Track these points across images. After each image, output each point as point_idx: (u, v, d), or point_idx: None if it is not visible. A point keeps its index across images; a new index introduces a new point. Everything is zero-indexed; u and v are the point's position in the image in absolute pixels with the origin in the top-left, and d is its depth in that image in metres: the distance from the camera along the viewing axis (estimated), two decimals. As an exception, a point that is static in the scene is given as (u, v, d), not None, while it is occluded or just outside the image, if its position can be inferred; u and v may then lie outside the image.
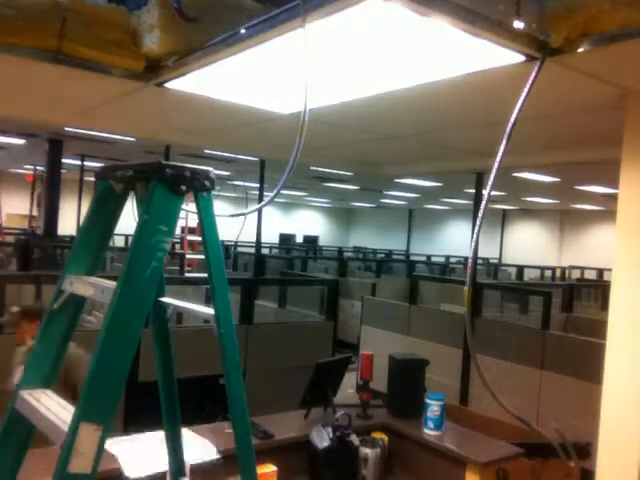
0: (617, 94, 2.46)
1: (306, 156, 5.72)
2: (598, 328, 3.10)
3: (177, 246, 9.71)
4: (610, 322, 2.48)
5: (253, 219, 7.31)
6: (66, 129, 6.39)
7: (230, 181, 11.20)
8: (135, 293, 1.27)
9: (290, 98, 2.93)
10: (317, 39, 1.85)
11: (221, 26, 1.90)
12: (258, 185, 6.86)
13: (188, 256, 7.92)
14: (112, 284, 1.33)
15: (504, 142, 1.80)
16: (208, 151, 6.64)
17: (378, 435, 3.05)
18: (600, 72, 2.23)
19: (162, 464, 1.78)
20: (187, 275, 7.51)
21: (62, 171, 8.16)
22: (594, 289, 9.75)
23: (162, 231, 1.31)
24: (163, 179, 1.32)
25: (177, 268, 7.77)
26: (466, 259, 12.11)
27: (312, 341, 5.13)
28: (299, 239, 23.86)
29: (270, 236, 18.75)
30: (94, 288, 1.39)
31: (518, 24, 1.66)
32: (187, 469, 2.18)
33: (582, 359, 4.65)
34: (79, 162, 9.34)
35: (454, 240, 19.20)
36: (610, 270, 2.50)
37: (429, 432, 3.03)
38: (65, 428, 1.19)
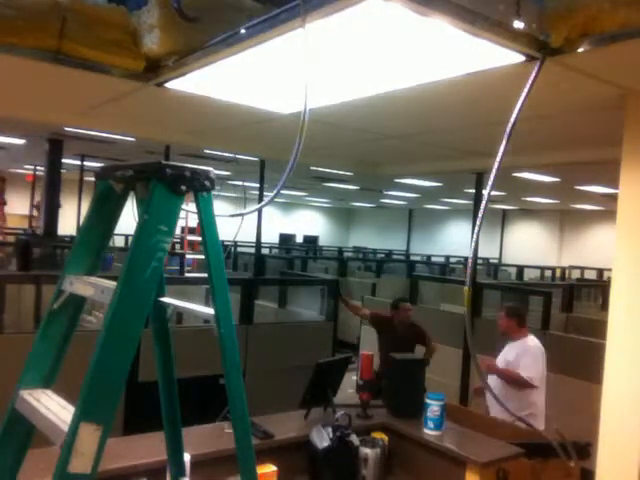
0: (617, 94, 2.46)
1: (306, 156, 5.70)
2: (598, 328, 3.10)
3: (177, 246, 9.71)
4: (610, 322, 2.48)
5: (253, 219, 7.30)
6: (66, 129, 6.39)
7: (230, 181, 11.20)
8: (135, 293, 1.27)
9: (290, 98, 2.93)
10: (317, 39, 1.85)
11: (221, 26, 1.90)
12: (258, 185, 6.86)
13: (188, 256, 7.92)
14: (112, 284, 1.33)
15: (504, 142, 1.80)
16: (208, 151, 6.65)
17: (378, 435, 3.05)
18: (600, 72, 2.23)
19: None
20: (187, 275, 7.51)
21: (62, 171, 8.16)
22: (594, 289, 9.75)
23: (162, 231, 1.30)
24: (163, 179, 1.32)
25: (177, 268, 7.77)
26: (466, 259, 12.12)
27: (312, 341, 5.13)
28: (299, 239, 23.86)
29: (270, 236, 18.75)
30: (94, 288, 1.39)
31: (518, 24, 1.66)
32: (187, 469, 2.18)
33: (582, 359, 4.65)
34: (79, 162, 9.35)
35: (454, 240, 19.20)
36: (610, 270, 2.50)
37: (429, 432, 3.03)
38: (65, 428, 1.19)
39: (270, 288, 7.51)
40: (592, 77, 2.28)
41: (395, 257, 17.92)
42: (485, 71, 2.16)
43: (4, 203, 13.14)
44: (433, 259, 16.19)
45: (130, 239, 1.51)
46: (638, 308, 2.38)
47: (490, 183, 1.89)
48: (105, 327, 1.24)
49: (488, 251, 16.92)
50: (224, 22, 1.87)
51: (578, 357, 4.88)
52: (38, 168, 10.89)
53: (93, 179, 1.62)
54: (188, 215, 7.63)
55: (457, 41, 1.82)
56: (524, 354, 4.32)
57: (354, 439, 2.80)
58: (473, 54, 1.98)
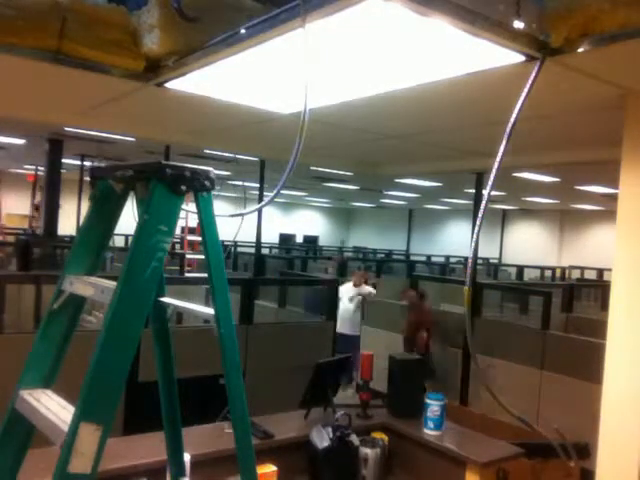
0: (617, 94, 2.46)
1: (306, 156, 5.71)
2: (598, 328, 3.10)
3: (177, 246, 9.70)
4: (610, 322, 2.48)
5: (253, 219, 7.30)
6: (66, 129, 6.39)
7: (230, 181, 11.20)
8: (135, 293, 1.27)
9: (290, 98, 2.93)
10: (317, 39, 1.85)
11: (221, 26, 1.90)
12: (258, 185, 6.86)
13: (188, 256, 7.92)
14: (112, 284, 1.33)
15: (504, 142, 1.80)
16: (208, 151, 6.65)
17: (378, 435, 3.05)
18: (600, 72, 2.23)
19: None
20: (187, 275, 7.51)
21: (62, 171, 8.16)
22: (594, 289, 9.74)
23: (162, 231, 1.30)
24: (163, 179, 1.32)
25: (177, 268, 7.77)
26: (466, 259, 12.10)
27: (312, 341, 5.12)
28: (299, 239, 23.86)
29: (270, 236, 18.76)
30: (94, 288, 1.39)
31: (518, 24, 1.66)
32: (187, 469, 2.18)
33: (582, 359, 4.65)
34: (79, 162, 9.35)
35: (454, 240, 19.20)
36: (610, 270, 2.50)
37: (429, 432, 3.03)
38: (65, 428, 1.19)
39: (270, 288, 7.50)
40: (592, 77, 2.28)
41: (395, 257, 17.91)
42: (485, 71, 2.16)
43: None
44: (433, 259, 16.17)
45: (130, 239, 1.51)
46: (638, 308, 2.38)
47: (490, 183, 1.89)
48: (105, 327, 1.23)
49: (488, 251, 16.92)
50: (224, 22, 1.87)
51: (578, 357, 4.88)
52: (39, 168, 10.88)
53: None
54: (188, 215, 7.64)
55: (457, 41, 1.82)
56: None
57: (354, 439, 2.80)
58: (473, 54, 1.98)
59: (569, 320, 7.02)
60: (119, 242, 11.33)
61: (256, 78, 2.57)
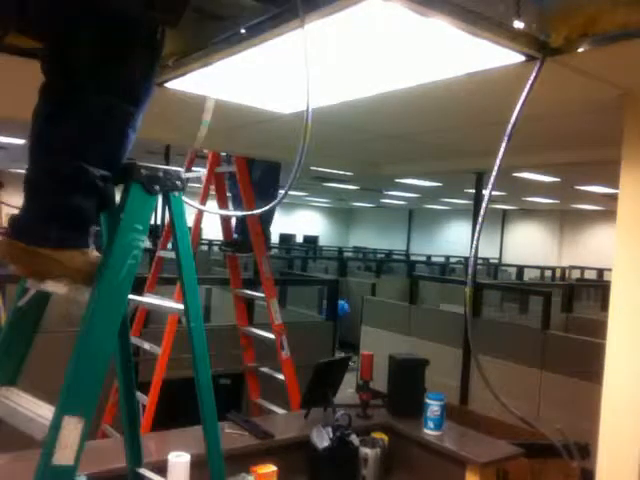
0: (617, 94, 2.46)
1: (306, 156, 5.69)
2: (598, 328, 3.10)
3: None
4: (610, 322, 2.48)
5: (253, 219, 7.29)
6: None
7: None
8: (113, 290, 1.33)
9: (290, 98, 2.93)
10: (317, 39, 1.85)
11: (221, 26, 1.90)
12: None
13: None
14: None
15: (504, 142, 1.80)
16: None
17: (378, 435, 3.05)
18: (600, 72, 2.23)
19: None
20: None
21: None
22: (594, 289, 9.75)
23: (137, 230, 1.37)
24: (138, 179, 1.38)
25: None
26: (466, 259, 12.11)
27: (312, 341, 5.13)
28: (299, 239, 23.86)
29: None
30: (67, 286, 1.41)
31: (518, 24, 1.66)
32: (187, 469, 2.18)
33: (582, 359, 4.65)
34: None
35: (454, 240, 19.21)
36: (610, 270, 2.50)
37: (429, 432, 3.03)
38: (45, 422, 1.23)
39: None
40: (592, 77, 2.28)
41: (395, 257, 17.91)
42: (485, 71, 2.16)
43: None
44: (433, 259, 16.18)
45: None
46: (638, 308, 2.38)
47: (490, 183, 1.89)
48: (85, 322, 1.28)
49: (488, 251, 16.93)
50: (224, 22, 1.87)
51: (578, 357, 4.88)
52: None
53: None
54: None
55: (457, 41, 1.82)
56: None
57: (354, 439, 2.80)
58: (473, 54, 1.98)
59: (569, 320, 7.03)
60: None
61: (256, 78, 2.57)
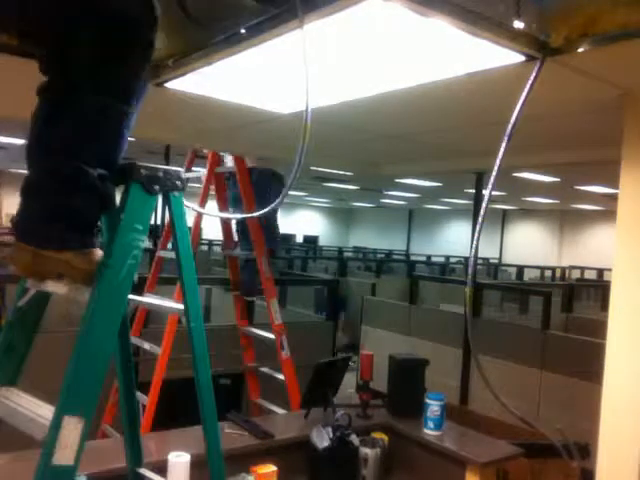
0: (617, 94, 2.46)
1: (306, 156, 5.70)
2: (598, 328, 3.10)
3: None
4: (610, 322, 2.48)
5: (253, 219, 7.30)
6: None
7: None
8: (113, 290, 1.33)
9: (290, 98, 2.93)
10: (317, 39, 1.85)
11: (221, 26, 1.90)
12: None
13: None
14: None
15: (504, 142, 1.80)
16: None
17: (378, 435, 3.05)
18: (600, 72, 2.23)
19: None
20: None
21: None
22: (594, 289, 9.75)
23: (137, 230, 1.37)
24: (138, 179, 1.38)
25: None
26: (466, 259, 12.10)
27: (312, 341, 5.13)
28: (299, 239, 23.86)
29: (270, 236, 18.73)
30: (67, 286, 1.41)
31: (518, 24, 1.66)
32: (187, 469, 2.18)
33: (582, 359, 4.66)
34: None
35: (454, 240, 19.21)
36: (610, 270, 2.50)
37: (429, 432, 3.03)
38: (45, 422, 1.23)
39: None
40: (592, 77, 2.27)
41: (395, 257, 17.91)
42: (485, 71, 2.16)
43: None
44: (433, 259, 16.18)
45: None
46: (638, 308, 2.38)
47: (490, 183, 1.89)
48: (85, 322, 1.28)
49: (488, 251, 16.93)
50: (224, 22, 1.87)
51: (578, 357, 4.88)
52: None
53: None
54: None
55: (457, 41, 1.82)
56: None
57: (354, 439, 2.80)
58: (473, 54, 1.98)
59: (569, 320, 7.03)
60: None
61: (256, 78, 2.57)
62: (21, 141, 8.35)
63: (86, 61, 1.32)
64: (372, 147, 4.85)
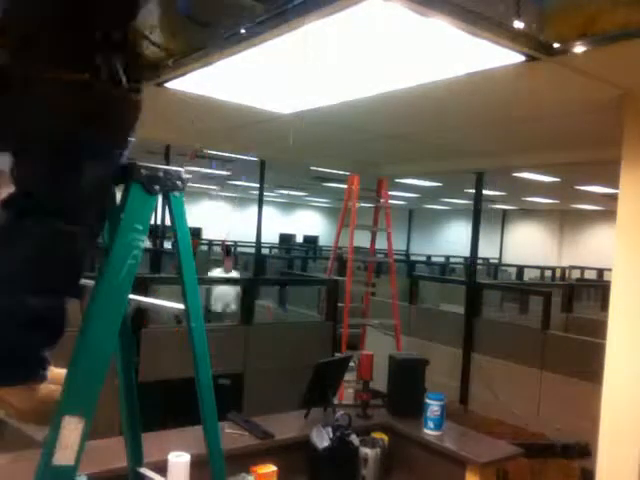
0: (617, 94, 2.46)
1: (306, 156, 5.72)
2: (598, 328, 3.10)
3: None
4: (610, 322, 2.48)
5: (253, 219, 7.31)
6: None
7: (230, 181, 11.20)
8: (113, 289, 1.33)
9: (290, 98, 2.93)
10: (317, 39, 1.85)
11: (221, 26, 1.90)
12: (258, 185, 6.86)
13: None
14: (84, 281, 1.37)
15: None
16: (208, 151, 6.65)
17: (378, 435, 3.05)
18: (600, 72, 2.23)
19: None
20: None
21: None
22: (594, 289, 9.74)
23: (137, 230, 1.37)
24: (138, 179, 1.38)
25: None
26: (466, 259, 12.06)
27: (312, 341, 5.13)
28: (299, 239, 23.85)
29: (270, 236, 18.76)
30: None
31: (518, 24, 1.66)
32: (187, 469, 2.18)
33: (582, 359, 4.65)
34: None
35: (454, 240, 19.21)
36: (610, 270, 2.50)
37: (429, 432, 3.03)
38: None
39: (270, 288, 7.51)
40: (592, 77, 2.28)
41: (395, 257, 17.88)
42: (485, 71, 2.16)
43: None
44: (433, 259, 16.18)
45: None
46: (638, 308, 2.38)
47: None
48: (85, 323, 1.28)
49: (488, 251, 16.92)
50: (224, 22, 1.87)
51: (578, 357, 4.88)
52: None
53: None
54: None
55: (457, 41, 1.82)
56: None
57: (354, 439, 2.80)
58: (473, 54, 1.98)
59: (569, 320, 7.02)
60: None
61: (256, 78, 2.57)
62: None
63: (35, 180, 1.23)
64: (372, 147, 4.86)
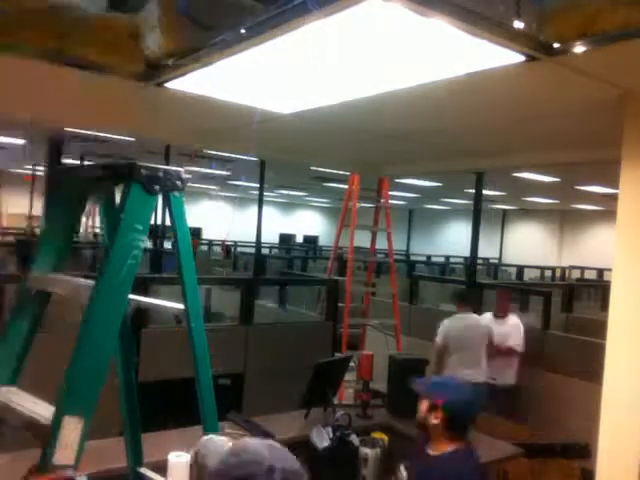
0: (617, 94, 2.46)
1: (306, 156, 5.72)
2: (598, 328, 3.10)
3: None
4: (610, 322, 2.48)
5: (253, 219, 7.31)
6: (66, 129, 6.39)
7: (230, 181, 11.20)
8: (114, 289, 1.33)
9: (290, 98, 2.93)
10: (317, 39, 1.85)
11: (221, 26, 1.90)
12: (258, 185, 6.86)
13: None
14: (85, 282, 1.37)
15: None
16: (208, 151, 6.65)
17: (378, 435, 3.05)
18: (600, 72, 2.23)
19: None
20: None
21: (62, 171, 8.15)
22: (594, 289, 9.74)
23: (137, 229, 1.37)
24: (138, 179, 1.37)
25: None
26: (466, 259, 12.07)
27: (312, 341, 5.13)
28: (299, 239, 23.84)
29: (270, 236, 18.76)
30: (67, 286, 1.41)
31: (518, 24, 1.66)
32: (188, 469, 2.18)
33: (582, 359, 4.66)
34: (79, 162, 9.36)
35: (454, 240, 19.20)
36: (610, 270, 2.50)
37: (429, 432, 3.03)
38: (46, 422, 1.23)
39: (270, 288, 7.51)
40: (592, 77, 2.28)
41: (395, 257, 17.87)
42: (485, 71, 2.16)
43: None
44: (433, 259, 16.18)
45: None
46: (638, 308, 2.38)
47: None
48: (85, 323, 1.28)
49: (488, 251, 16.92)
50: (224, 22, 1.87)
51: (578, 357, 4.88)
52: (38, 168, 10.88)
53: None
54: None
55: (457, 41, 1.82)
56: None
57: (354, 439, 2.80)
58: (473, 54, 1.98)
59: (569, 320, 7.02)
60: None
61: (256, 78, 2.57)
62: (21, 141, 8.35)
63: None
64: (372, 147, 4.85)
